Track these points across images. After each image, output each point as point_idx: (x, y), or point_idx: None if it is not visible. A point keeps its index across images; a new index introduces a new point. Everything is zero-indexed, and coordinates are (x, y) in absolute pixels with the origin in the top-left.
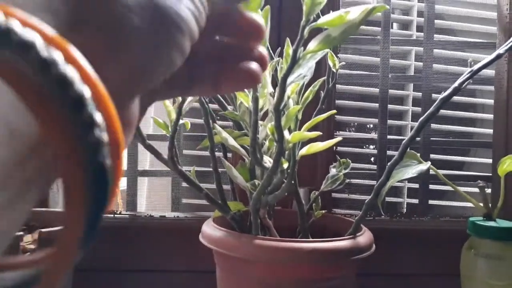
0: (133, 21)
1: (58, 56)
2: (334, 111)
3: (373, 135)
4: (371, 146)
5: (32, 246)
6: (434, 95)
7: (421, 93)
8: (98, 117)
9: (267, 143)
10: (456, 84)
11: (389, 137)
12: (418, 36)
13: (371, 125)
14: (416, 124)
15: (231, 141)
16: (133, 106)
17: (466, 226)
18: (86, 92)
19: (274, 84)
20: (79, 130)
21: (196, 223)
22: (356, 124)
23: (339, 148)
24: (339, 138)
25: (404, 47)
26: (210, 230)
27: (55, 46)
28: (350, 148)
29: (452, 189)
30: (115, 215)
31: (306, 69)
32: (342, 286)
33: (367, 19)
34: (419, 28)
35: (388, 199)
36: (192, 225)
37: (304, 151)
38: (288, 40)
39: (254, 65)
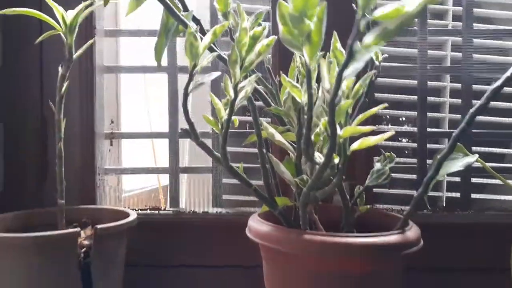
0: None
1: None
2: (385, 104)
3: (410, 128)
4: (404, 140)
5: (87, 242)
6: (474, 86)
7: (460, 84)
8: None
9: (312, 137)
10: (508, 74)
11: (428, 129)
12: (454, 26)
13: (403, 118)
14: (454, 116)
15: (278, 137)
16: None
17: None
18: None
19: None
20: None
21: (238, 218)
22: (388, 117)
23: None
24: (391, 132)
25: (440, 38)
26: (257, 225)
27: None
28: (386, 142)
29: (494, 182)
30: (160, 212)
31: (361, 63)
32: (390, 280)
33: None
34: (455, 18)
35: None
36: (234, 221)
37: (355, 146)
38: (335, 33)
39: None
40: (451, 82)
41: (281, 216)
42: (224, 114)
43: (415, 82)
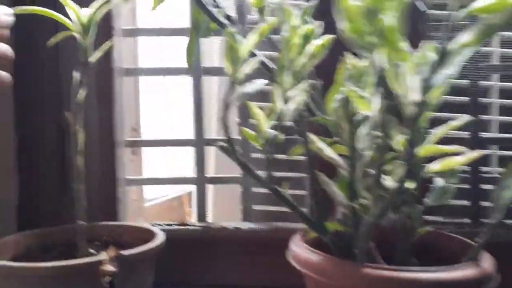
0: None
1: None
2: (468, 117)
3: (461, 132)
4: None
5: (111, 267)
6: None
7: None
8: None
9: (368, 152)
10: None
11: (483, 134)
12: None
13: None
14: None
15: (328, 152)
16: None
17: None
18: None
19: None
20: None
21: (274, 235)
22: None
23: None
24: (483, 152)
25: None
26: (303, 253)
27: None
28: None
29: None
30: (187, 227)
31: (455, 67)
32: None
33: None
34: None
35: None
36: (268, 238)
37: (436, 167)
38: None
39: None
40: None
41: (333, 245)
42: (266, 126)
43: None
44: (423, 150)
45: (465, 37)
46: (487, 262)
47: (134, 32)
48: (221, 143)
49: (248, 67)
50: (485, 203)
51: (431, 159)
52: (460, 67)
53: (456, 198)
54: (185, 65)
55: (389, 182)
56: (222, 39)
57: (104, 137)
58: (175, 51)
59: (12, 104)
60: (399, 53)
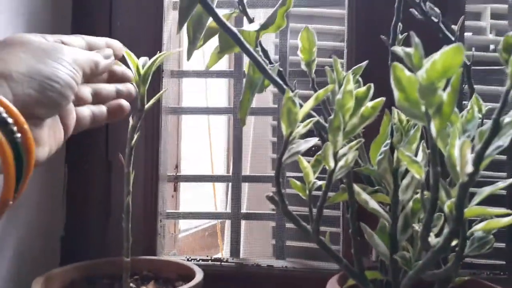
0: (27, 82)
1: None
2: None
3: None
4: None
5: None
6: None
7: None
8: (9, 119)
9: (411, 204)
10: None
11: None
12: None
13: None
14: None
15: (373, 204)
16: (41, 127)
17: None
18: (2, 112)
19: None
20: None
21: (308, 275)
22: None
23: None
24: None
25: None
26: None
27: None
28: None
29: None
30: (222, 263)
31: (508, 138)
32: None
33: None
34: None
35: None
36: (303, 278)
37: (480, 227)
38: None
39: (123, 101)
40: None
41: None
42: (312, 177)
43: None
44: (468, 211)
45: None
46: None
47: (182, 74)
48: (270, 194)
49: (303, 129)
50: None
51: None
52: None
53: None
54: (224, 103)
55: (432, 238)
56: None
57: (148, 173)
58: (215, 91)
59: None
60: (445, 125)
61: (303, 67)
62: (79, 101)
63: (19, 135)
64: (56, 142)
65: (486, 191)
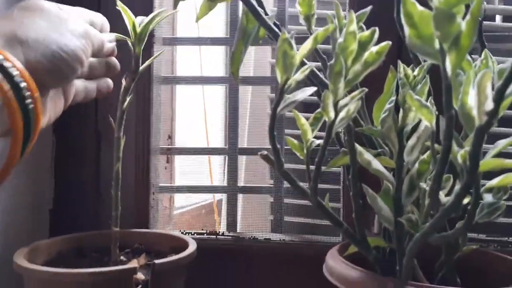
0: (41, 50)
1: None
2: None
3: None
4: None
5: (143, 276)
6: None
7: None
8: (23, 84)
9: (417, 165)
10: None
11: None
12: None
13: None
14: None
15: (376, 165)
16: (46, 96)
17: None
18: (17, 75)
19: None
20: (14, 90)
21: (306, 248)
22: None
23: None
24: None
25: None
26: (343, 269)
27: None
28: None
29: None
30: (218, 237)
31: None
32: None
33: None
34: None
35: None
36: (301, 251)
37: (495, 182)
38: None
39: (109, 80)
40: None
41: (375, 262)
42: (310, 136)
43: None
44: (482, 164)
45: None
46: None
47: (175, 41)
48: (264, 152)
49: (300, 75)
50: None
51: (487, 174)
52: None
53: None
54: (221, 74)
55: (442, 197)
56: (275, 46)
57: (140, 144)
58: (211, 61)
59: None
60: (463, 59)
61: (301, 21)
62: (81, 75)
63: (30, 100)
64: (56, 112)
65: (502, 143)
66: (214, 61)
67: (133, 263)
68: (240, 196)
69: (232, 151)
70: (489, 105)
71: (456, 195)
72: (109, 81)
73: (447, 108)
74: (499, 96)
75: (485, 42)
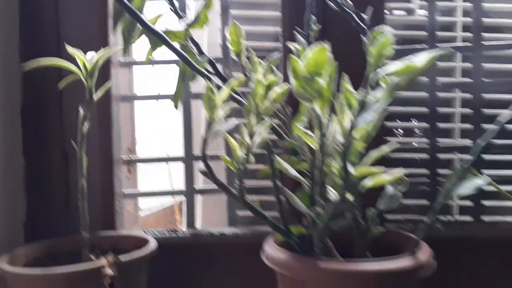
0: None
1: None
2: (396, 145)
3: (422, 140)
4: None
5: (111, 271)
6: (485, 95)
7: (471, 95)
8: None
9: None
10: None
11: (439, 141)
12: (464, 38)
13: (417, 130)
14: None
15: (293, 172)
16: None
17: None
18: None
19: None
20: None
21: (255, 239)
22: (402, 129)
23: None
24: (401, 171)
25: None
26: (273, 252)
27: None
28: (399, 153)
29: (506, 204)
30: (178, 234)
31: (373, 114)
32: None
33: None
34: (465, 29)
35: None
36: (251, 241)
37: (369, 184)
38: (346, 77)
39: None
40: (462, 92)
41: (297, 246)
42: (240, 153)
43: (426, 94)
44: (357, 171)
45: (378, 93)
46: (424, 254)
47: (131, 64)
48: (203, 169)
49: (222, 112)
50: None
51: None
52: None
53: (418, 197)
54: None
55: (332, 195)
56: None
57: (103, 157)
58: (167, 78)
59: (20, 134)
60: (326, 106)
61: (234, 57)
62: None
63: None
64: None
65: (373, 154)
66: (170, 77)
67: (102, 261)
68: (200, 197)
69: (188, 158)
70: (339, 138)
71: (340, 195)
72: None
73: (320, 138)
74: (349, 131)
75: None
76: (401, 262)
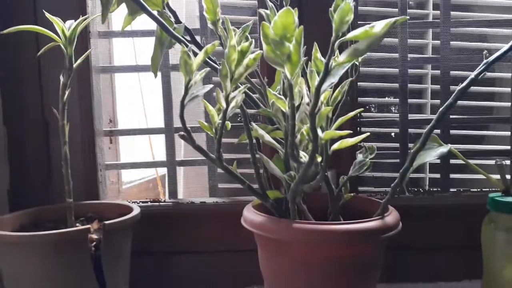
0: None
1: None
2: (361, 109)
3: (394, 115)
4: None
5: (96, 236)
6: (452, 72)
7: (439, 71)
8: None
9: (299, 136)
10: (472, 75)
11: (410, 116)
12: (434, 15)
13: (393, 106)
14: (435, 101)
15: (267, 138)
16: None
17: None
18: None
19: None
20: None
21: (234, 207)
22: (376, 104)
23: (363, 129)
24: (367, 134)
25: (420, 28)
26: (252, 216)
27: None
28: (373, 128)
29: (473, 163)
30: (160, 203)
31: (336, 77)
32: (372, 261)
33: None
34: (435, 6)
35: (411, 175)
36: (231, 209)
37: (335, 146)
38: (316, 44)
39: None
40: (432, 69)
41: (272, 208)
42: (217, 119)
43: (396, 70)
44: (326, 134)
45: (341, 57)
46: (392, 217)
47: (109, 34)
48: (181, 133)
49: (198, 77)
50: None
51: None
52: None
53: (390, 171)
54: None
55: (303, 158)
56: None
57: (84, 128)
58: (147, 49)
59: (0, 105)
60: (296, 69)
61: (210, 26)
62: None
63: None
64: None
65: (340, 119)
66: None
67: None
68: (181, 169)
69: (168, 130)
70: (307, 99)
71: (309, 157)
72: None
73: (289, 100)
74: (316, 93)
75: None
76: (369, 224)
